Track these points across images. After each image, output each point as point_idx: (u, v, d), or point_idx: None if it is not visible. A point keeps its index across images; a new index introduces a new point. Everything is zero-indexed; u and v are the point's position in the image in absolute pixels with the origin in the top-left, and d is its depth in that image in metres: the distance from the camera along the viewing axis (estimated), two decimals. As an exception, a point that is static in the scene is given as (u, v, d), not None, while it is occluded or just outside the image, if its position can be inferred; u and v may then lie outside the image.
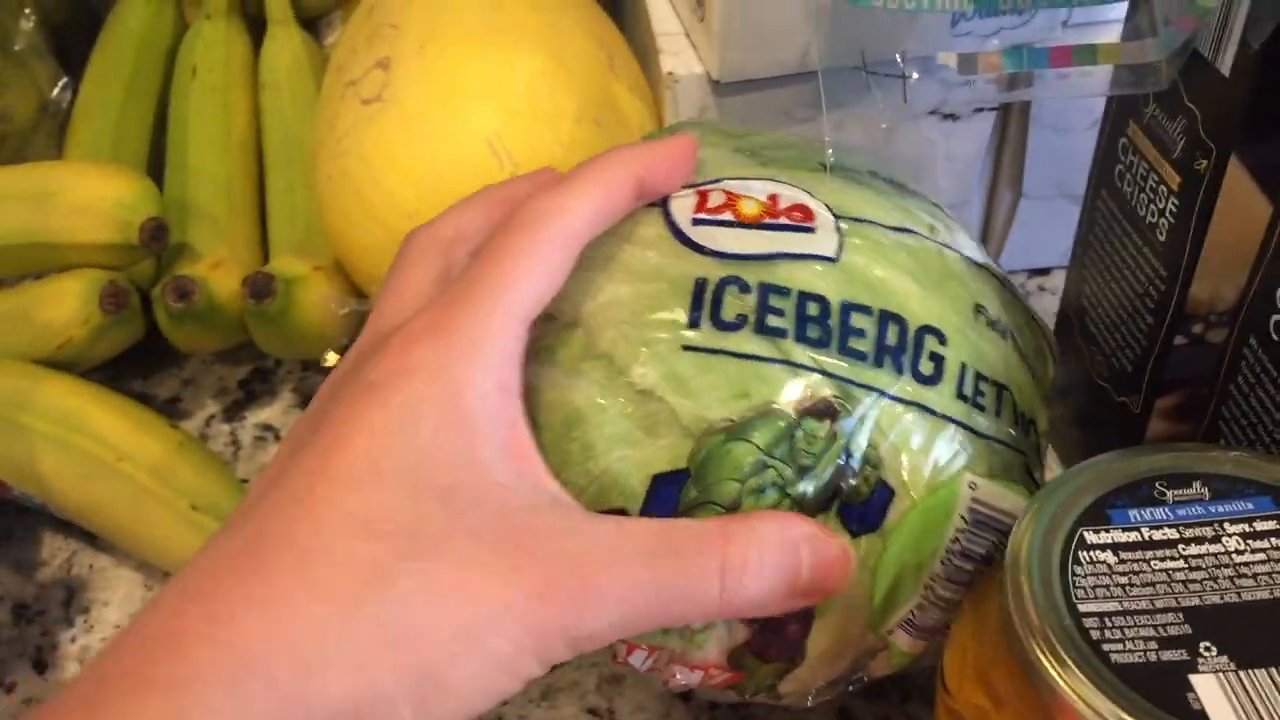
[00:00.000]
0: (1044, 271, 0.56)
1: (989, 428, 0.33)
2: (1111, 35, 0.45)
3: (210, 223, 0.51)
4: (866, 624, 0.33)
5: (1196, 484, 0.31)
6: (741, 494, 0.30)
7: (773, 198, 0.33)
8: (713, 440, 0.30)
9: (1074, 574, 0.29)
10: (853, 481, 0.31)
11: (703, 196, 0.33)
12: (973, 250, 0.36)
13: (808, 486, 0.31)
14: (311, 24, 0.59)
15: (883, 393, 0.31)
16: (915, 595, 0.33)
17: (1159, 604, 0.28)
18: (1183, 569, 0.29)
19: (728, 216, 0.33)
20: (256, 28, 0.57)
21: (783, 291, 0.31)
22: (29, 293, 0.47)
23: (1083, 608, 0.28)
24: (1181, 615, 0.28)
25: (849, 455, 0.31)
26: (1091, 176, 0.42)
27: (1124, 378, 0.41)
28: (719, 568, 0.28)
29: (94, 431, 0.42)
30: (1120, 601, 0.28)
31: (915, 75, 0.37)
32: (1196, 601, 0.28)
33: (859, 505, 0.31)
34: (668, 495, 0.30)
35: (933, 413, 0.32)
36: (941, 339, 0.32)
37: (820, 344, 0.31)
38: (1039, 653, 0.27)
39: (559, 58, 0.46)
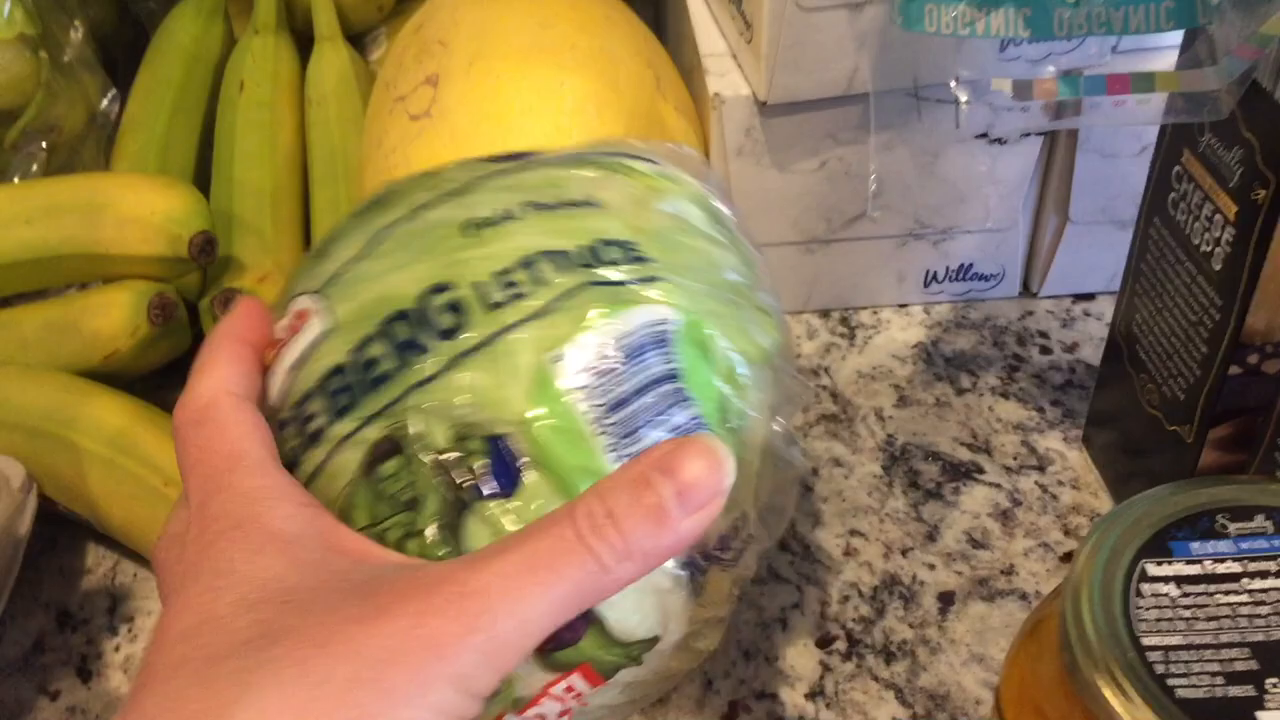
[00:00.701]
0: (1089, 297, 0.55)
1: (544, 299, 0.32)
2: (1162, 61, 0.45)
3: (255, 236, 0.51)
4: None
5: (1259, 517, 0.30)
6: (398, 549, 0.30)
7: (299, 315, 0.34)
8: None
9: (1136, 606, 0.28)
10: (461, 467, 0.30)
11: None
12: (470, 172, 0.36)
13: (427, 513, 0.30)
14: (356, 40, 0.60)
15: (421, 382, 0.31)
16: (607, 463, 0.31)
17: (1224, 638, 0.28)
18: (1247, 603, 0.29)
19: (272, 366, 0.34)
20: (304, 43, 0.58)
21: (308, 395, 0.32)
22: (76, 302, 0.47)
23: (1146, 641, 0.28)
24: (1248, 650, 0.27)
25: (438, 453, 0.31)
26: (1143, 204, 0.42)
27: (1176, 407, 0.40)
28: (575, 532, 0.27)
29: (142, 454, 0.42)
30: (1184, 635, 0.28)
31: (967, 100, 0.37)
32: (1262, 636, 0.28)
33: (487, 474, 0.30)
34: None
35: (477, 348, 0.31)
36: (443, 287, 0.32)
37: (350, 403, 0.32)
38: (1102, 686, 0.27)
39: (608, 78, 0.46)
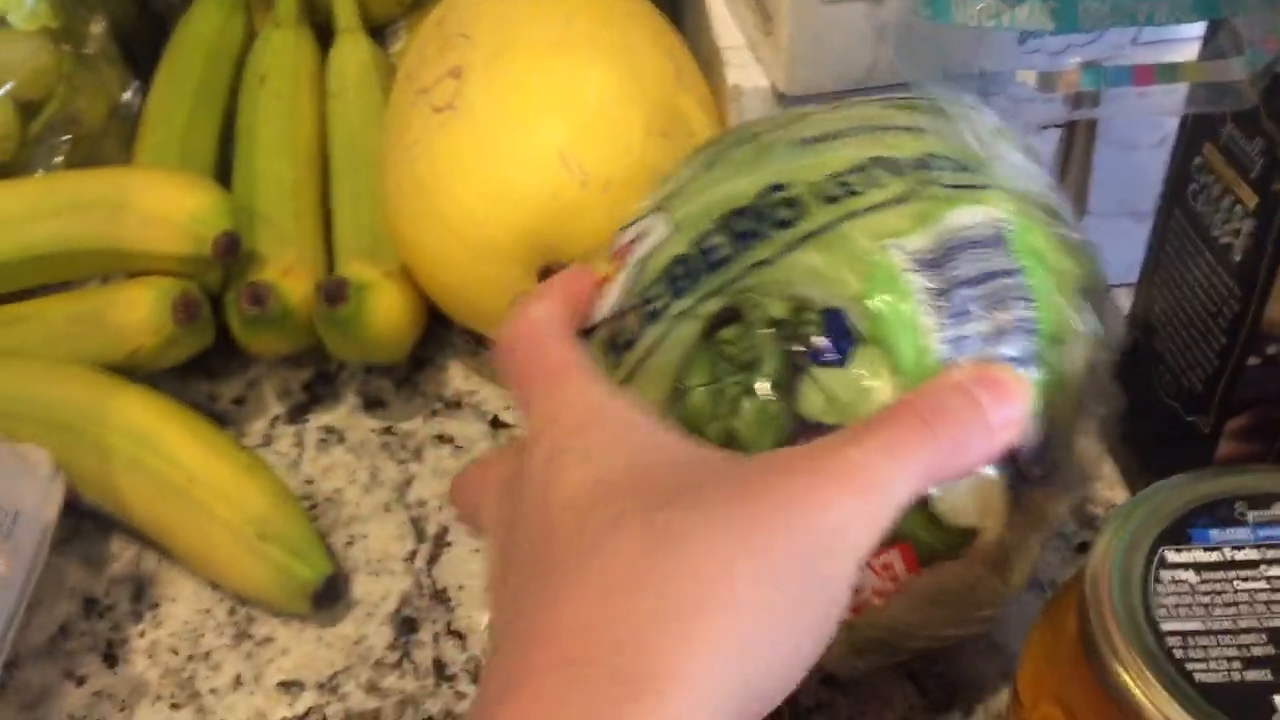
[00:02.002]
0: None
1: (879, 198, 0.34)
2: (1184, 53, 0.45)
3: (276, 228, 0.51)
4: None
5: (1278, 505, 0.30)
6: (726, 423, 0.33)
7: (637, 230, 0.37)
8: (673, 414, 0.33)
9: (1156, 593, 0.29)
10: (798, 335, 0.33)
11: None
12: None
13: (764, 372, 0.33)
14: (377, 32, 0.60)
15: (759, 263, 0.34)
16: (942, 357, 0.32)
17: (1242, 624, 0.28)
18: (1265, 590, 0.29)
19: (610, 281, 0.37)
20: (324, 36, 0.58)
21: (653, 282, 0.35)
22: (100, 297, 0.48)
23: (1165, 626, 0.28)
24: (1265, 636, 0.28)
25: (777, 322, 0.33)
26: (1163, 195, 0.42)
27: (1194, 398, 0.41)
28: (922, 421, 0.28)
29: (167, 452, 0.43)
30: (1203, 621, 0.28)
31: (995, 94, 0.37)
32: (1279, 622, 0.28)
33: (823, 343, 0.33)
34: None
35: (816, 233, 0.34)
36: (780, 186, 0.35)
37: (691, 284, 0.34)
38: (1122, 671, 0.27)
39: (630, 70, 0.46)
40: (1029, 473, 0.34)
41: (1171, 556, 0.29)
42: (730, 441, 0.33)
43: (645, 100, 0.46)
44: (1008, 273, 0.33)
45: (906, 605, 0.35)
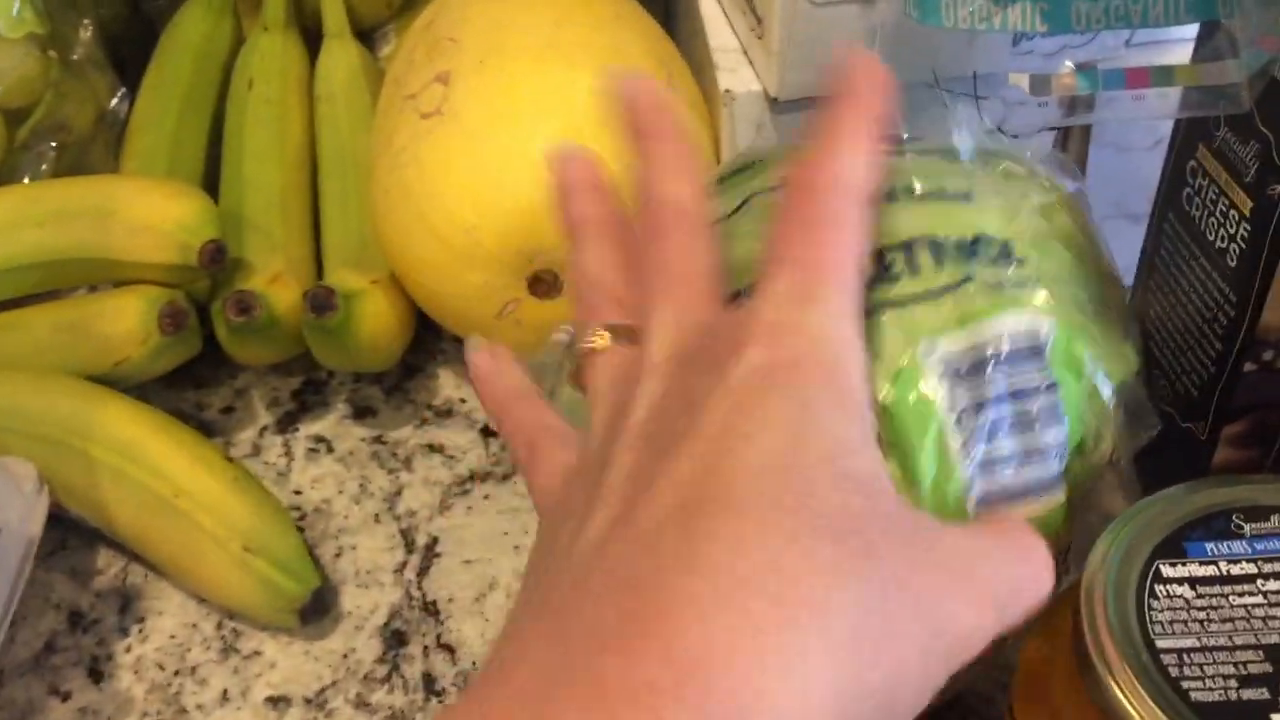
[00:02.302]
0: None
1: (919, 288, 0.31)
2: (1178, 55, 0.45)
3: (264, 235, 0.51)
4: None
5: (1275, 517, 0.30)
6: None
7: None
8: None
9: (1151, 608, 0.28)
10: None
11: None
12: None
13: None
14: (366, 36, 0.60)
15: None
16: (963, 476, 0.31)
17: (1238, 640, 0.28)
18: (1262, 604, 0.28)
19: None
20: (313, 40, 0.57)
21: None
22: (87, 306, 0.47)
23: (1160, 643, 0.27)
24: (1262, 653, 0.27)
25: None
26: (1157, 199, 0.42)
27: (1190, 404, 0.40)
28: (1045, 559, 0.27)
29: (152, 464, 0.42)
30: (1199, 637, 0.28)
31: (988, 96, 0.37)
32: (1277, 639, 0.27)
33: None
34: None
35: None
36: None
37: None
38: (1117, 689, 0.27)
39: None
40: None
41: (1167, 571, 0.29)
42: None
43: (635, 105, 0.45)
44: (1043, 390, 0.31)
45: None
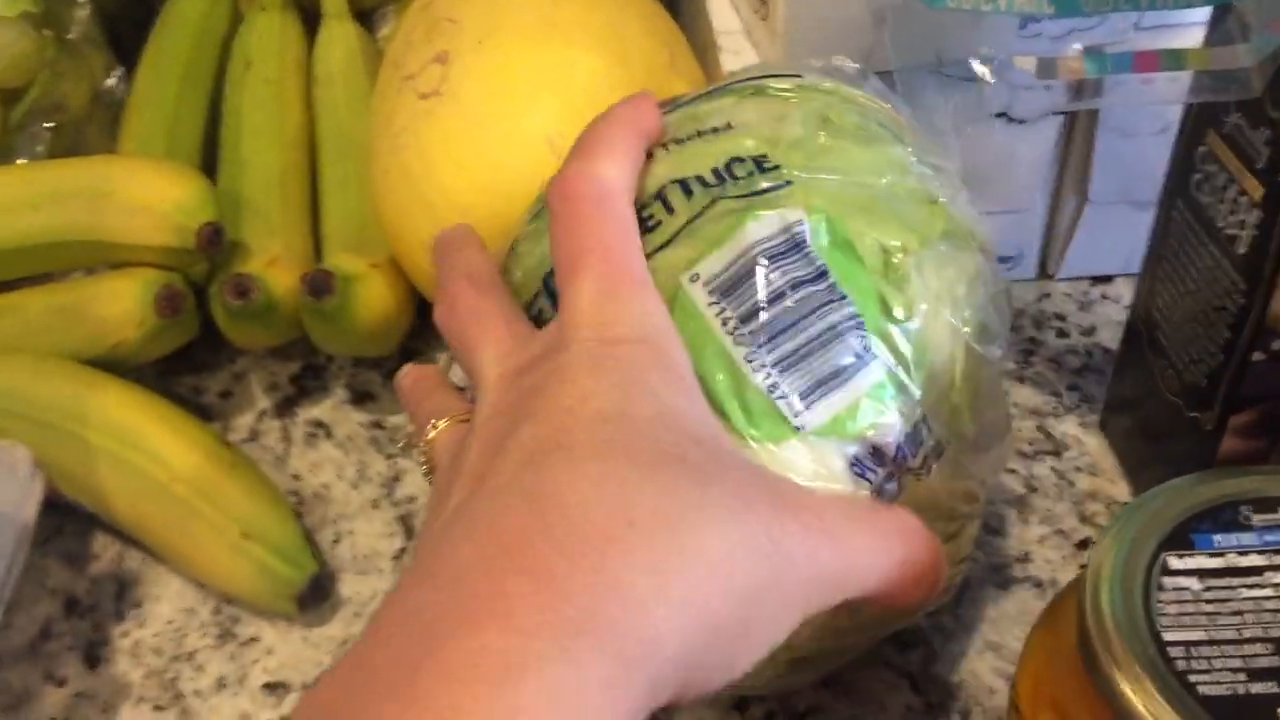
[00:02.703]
0: (1107, 279, 0.55)
1: (673, 227, 0.33)
2: (1187, 38, 0.44)
3: (263, 217, 0.50)
4: (775, 442, 0.32)
5: (1284, 509, 0.30)
6: None
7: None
8: None
9: (1157, 600, 0.28)
10: None
11: None
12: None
13: None
14: (365, 16, 0.59)
15: None
16: (761, 383, 0.31)
17: (1246, 633, 0.27)
18: (1271, 597, 0.28)
19: None
20: (311, 20, 0.57)
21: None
22: (84, 289, 0.47)
23: (1167, 636, 0.27)
24: (1271, 646, 0.27)
25: None
26: (1166, 185, 0.41)
27: (1197, 393, 0.40)
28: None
29: (149, 449, 0.42)
30: (1206, 630, 0.27)
31: (990, 79, 0.36)
32: (1286, 632, 0.27)
33: None
34: None
35: None
36: None
37: None
38: (1122, 682, 0.26)
39: (620, 55, 0.45)
40: (906, 467, 0.33)
41: (1174, 563, 0.29)
42: None
43: (634, 85, 0.45)
44: (813, 278, 0.32)
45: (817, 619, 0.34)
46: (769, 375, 0.31)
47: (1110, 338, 0.51)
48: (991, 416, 0.36)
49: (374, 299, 0.46)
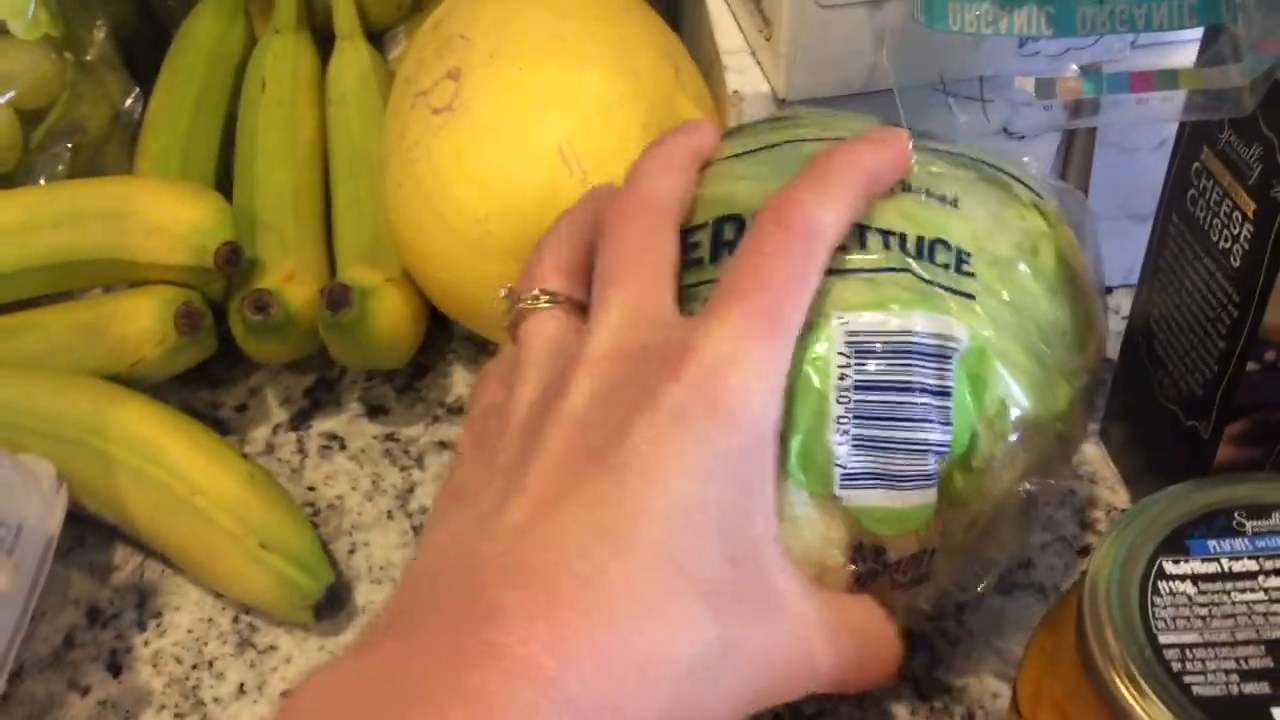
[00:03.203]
0: (1105, 291, 0.55)
1: (854, 264, 0.33)
2: (1182, 56, 0.45)
3: (277, 234, 0.51)
4: (809, 493, 0.32)
5: (1277, 515, 0.31)
6: None
7: None
8: None
9: (1154, 604, 0.29)
10: None
11: None
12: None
13: None
14: (376, 38, 0.60)
15: (717, 281, 0.33)
16: (833, 445, 0.32)
17: (1240, 636, 0.28)
18: (1263, 601, 0.29)
19: None
20: (324, 42, 0.58)
21: None
22: (104, 307, 0.48)
23: (1163, 639, 0.28)
24: (1263, 648, 0.28)
25: None
26: (1162, 199, 0.42)
27: (1193, 402, 0.41)
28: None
29: (169, 463, 0.43)
30: (1201, 633, 0.28)
31: (993, 100, 0.37)
32: (1278, 634, 0.28)
33: None
34: None
35: None
36: None
37: None
38: (1119, 683, 0.27)
39: (628, 68, 0.46)
40: (892, 576, 0.34)
41: (1169, 568, 0.29)
42: None
43: (644, 98, 0.46)
44: (936, 391, 0.33)
45: None
46: (843, 442, 0.32)
47: (1110, 349, 0.52)
48: (991, 561, 0.37)
49: (389, 312, 0.47)
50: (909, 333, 0.33)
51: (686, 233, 0.36)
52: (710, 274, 0.34)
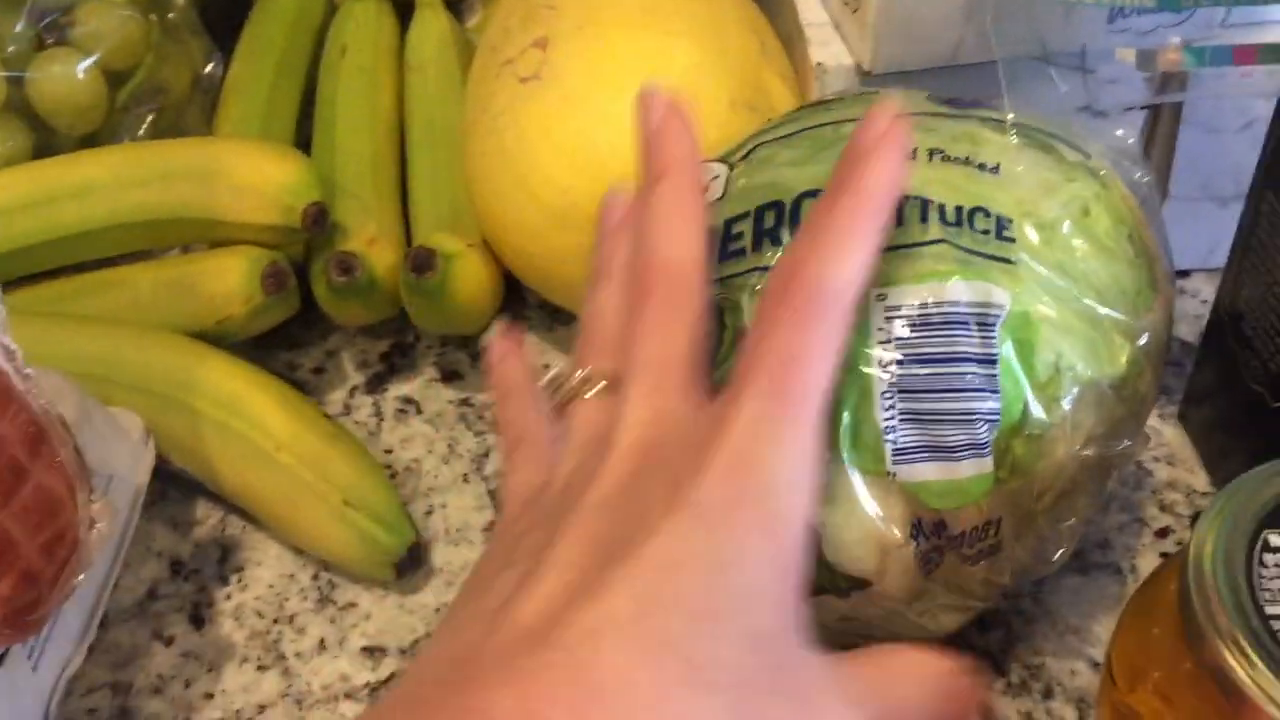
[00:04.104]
0: (1184, 274, 0.55)
1: (894, 240, 0.33)
2: (1272, 34, 0.45)
3: (357, 200, 0.52)
4: (861, 471, 0.32)
5: (1380, 490, 0.30)
6: None
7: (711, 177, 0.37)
8: None
9: (1260, 575, 0.29)
10: None
11: None
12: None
13: (714, 378, 0.32)
14: (452, 5, 0.60)
15: (764, 268, 0.34)
16: (881, 420, 0.32)
17: (1347, 609, 0.28)
18: (1370, 575, 0.29)
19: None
20: (402, 9, 0.58)
21: None
22: (191, 265, 0.49)
23: (1269, 610, 0.28)
24: (1372, 621, 0.28)
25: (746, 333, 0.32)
26: (1255, 178, 0.42)
27: (1283, 383, 0.40)
28: None
29: (255, 418, 0.43)
30: (1308, 605, 0.28)
31: (1095, 70, 0.37)
32: (1387, 608, 0.28)
33: None
34: None
35: None
36: (815, 195, 0.34)
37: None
38: (1227, 654, 0.27)
39: (717, 43, 0.46)
40: (959, 550, 0.34)
41: (1275, 540, 0.29)
42: None
43: (731, 72, 0.46)
44: (981, 359, 0.32)
45: (813, 611, 0.34)
46: (892, 417, 0.32)
47: (1188, 331, 0.52)
48: (1067, 529, 0.36)
49: (471, 277, 0.47)
50: (949, 303, 0.32)
51: (729, 222, 0.36)
52: (753, 262, 0.34)
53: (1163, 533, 0.45)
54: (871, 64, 0.47)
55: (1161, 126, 0.51)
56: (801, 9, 0.51)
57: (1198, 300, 0.54)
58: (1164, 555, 0.44)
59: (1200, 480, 0.46)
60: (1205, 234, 0.53)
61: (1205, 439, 0.47)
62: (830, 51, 0.49)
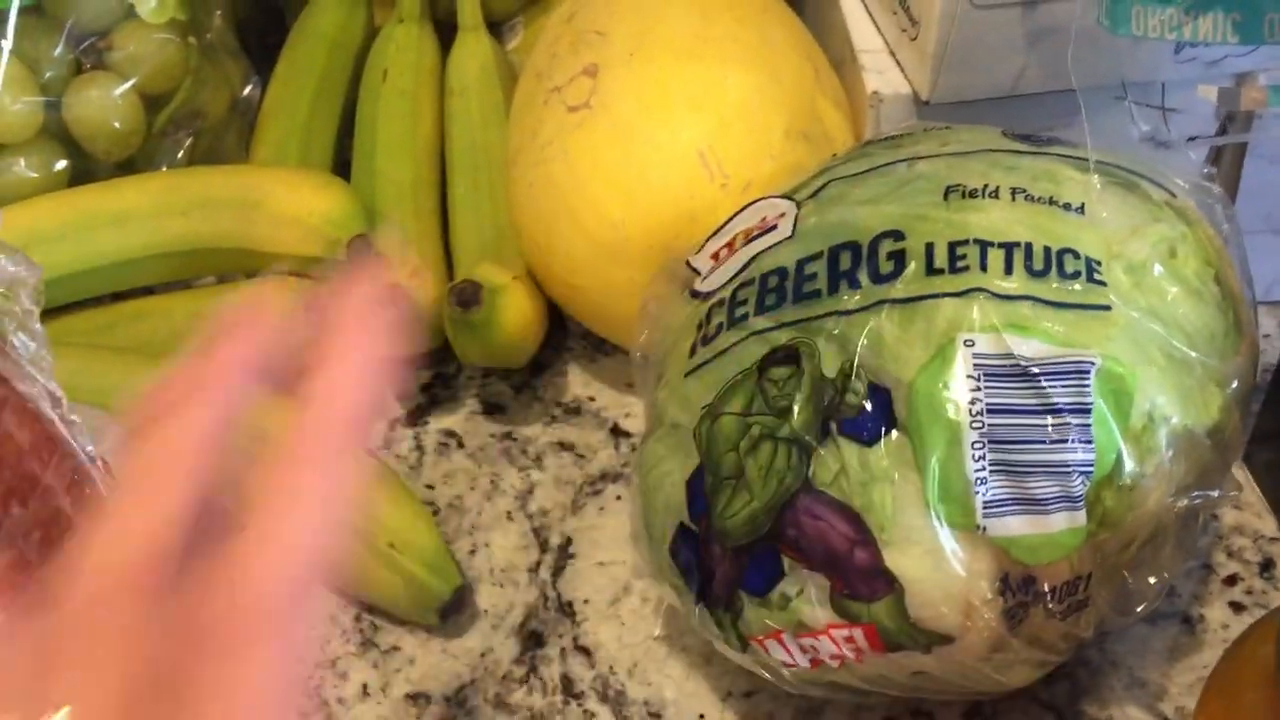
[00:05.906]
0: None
1: (980, 283, 0.32)
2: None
3: (398, 228, 0.51)
4: (950, 525, 0.31)
5: None
6: (740, 458, 0.33)
7: (775, 214, 0.38)
8: (703, 428, 0.34)
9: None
10: (839, 398, 0.32)
11: (715, 254, 0.39)
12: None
13: (793, 423, 0.32)
14: (493, 28, 0.59)
15: (840, 312, 0.33)
16: (971, 472, 0.31)
17: None
18: None
19: (723, 255, 0.38)
20: (444, 32, 0.57)
21: (749, 282, 0.36)
22: (227, 296, 0.48)
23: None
24: None
25: (825, 380, 0.32)
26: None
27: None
28: None
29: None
30: None
31: (1176, 109, 0.36)
32: None
33: (859, 416, 0.32)
34: (697, 490, 0.35)
35: (901, 301, 0.33)
36: (899, 236, 0.34)
37: (776, 304, 0.35)
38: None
39: (770, 70, 0.45)
40: (1045, 605, 0.33)
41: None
42: (738, 477, 0.33)
43: (785, 101, 0.45)
44: (1075, 410, 0.32)
45: (885, 668, 0.34)
46: (982, 469, 0.31)
47: (1252, 368, 0.50)
48: (1154, 583, 0.35)
49: (516, 310, 0.46)
50: (1039, 354, 0.31)
51: (801, 263, 0.35)
52: (830, 306, 0.34)
53: (1231, 580, 0.43)
54: (929, 93, 0.46)
55: (1227, 157, 0.50)
56: (854, 34, 0.50)
57: (1260, 334, 0.52)
58: (1233, 605, 0.43)
59: (1269, 525, 0.45)
60: (1268, 267, 0.52)
61: (1273, 481, 0.46)
62: (886, 80, 0.48)
